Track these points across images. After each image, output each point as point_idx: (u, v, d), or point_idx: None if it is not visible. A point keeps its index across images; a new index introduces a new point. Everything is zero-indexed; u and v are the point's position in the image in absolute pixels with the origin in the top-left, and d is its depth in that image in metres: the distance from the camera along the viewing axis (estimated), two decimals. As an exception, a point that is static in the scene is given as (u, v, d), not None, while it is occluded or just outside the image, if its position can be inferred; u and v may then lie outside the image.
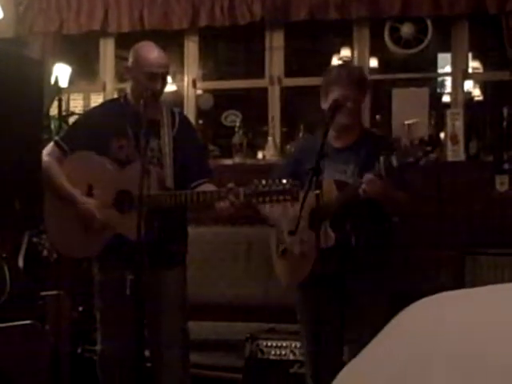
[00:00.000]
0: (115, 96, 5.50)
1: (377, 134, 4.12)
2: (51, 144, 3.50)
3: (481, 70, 5.77)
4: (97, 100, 5.67)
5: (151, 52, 3.37)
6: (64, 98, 5.59)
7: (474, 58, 5.59)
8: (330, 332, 3.23)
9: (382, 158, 3.04)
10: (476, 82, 5.82)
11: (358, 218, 3.22)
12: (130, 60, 3.42)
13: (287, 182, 3.08)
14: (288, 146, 5.43)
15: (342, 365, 0.98)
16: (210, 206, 3.27)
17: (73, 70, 5.53)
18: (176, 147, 3.43)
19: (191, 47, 5.63)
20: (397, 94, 5.28)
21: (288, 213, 3.31)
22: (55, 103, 5.40)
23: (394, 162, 3.01)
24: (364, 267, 3.24)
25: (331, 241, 3.16)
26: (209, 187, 3.36)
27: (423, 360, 0.81)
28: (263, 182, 3.10)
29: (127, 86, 3.57)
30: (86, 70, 6.11)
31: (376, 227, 3.29)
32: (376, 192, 3.08)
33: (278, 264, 3.52)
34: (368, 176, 3.07)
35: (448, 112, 5.13)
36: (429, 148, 3.00)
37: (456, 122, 5.03)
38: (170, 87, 5.61)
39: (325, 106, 3.31)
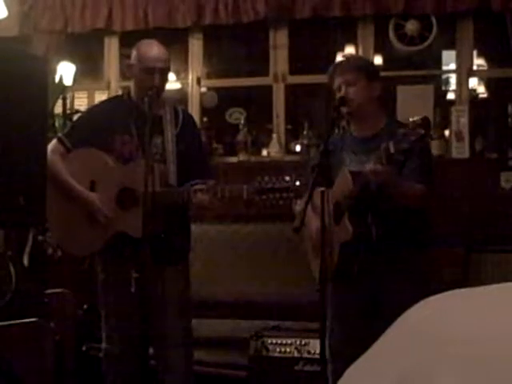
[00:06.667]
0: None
1: (402, 123, 4.06)
2: (54, 141, 3.50)
3: (485, 67, 5.75)
4: (101, 98, 5.65)
5: (150, 48, 3.39)
6: (68, 96, 5.60)
7: (479, 55, 5.57)
8: (358, 328, 3.20)
9: (382, 146, 2.96)
10: (481, 79, 5.80)
11: (380, 211, 3.12)
12: (132, 58, 3.45)
13: (290, 179, 3.07)
14: (293, 144, 5.45)
15: None
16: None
17: (77, 68, 5.54)
18: (179, 144, 3.44)
19: (195, 45, 5.63)
20: (401, 91, 5.27)
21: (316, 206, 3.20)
22: (60, 101, 5.42)
23: (392, 148, 2.92)
24: (391, 262, 3.17)
25: (348, 235, 3.09)
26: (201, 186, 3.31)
27: (427, 365, 0.80)
28: (266, 178, 3.07)
29: (131, 84, 3.58)
30: (90, 69, 6.12)
31: (401, 220, 3.18)
32: (380, 179, 2.98)
33: (311, 258, 3.48)
34: (369, 165, 2.98)
35: (453, 109, 5.12)
36: (422, 131, 2.92)
37: (461, 119, 5.02)
38: (175, 85, 5.62)
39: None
